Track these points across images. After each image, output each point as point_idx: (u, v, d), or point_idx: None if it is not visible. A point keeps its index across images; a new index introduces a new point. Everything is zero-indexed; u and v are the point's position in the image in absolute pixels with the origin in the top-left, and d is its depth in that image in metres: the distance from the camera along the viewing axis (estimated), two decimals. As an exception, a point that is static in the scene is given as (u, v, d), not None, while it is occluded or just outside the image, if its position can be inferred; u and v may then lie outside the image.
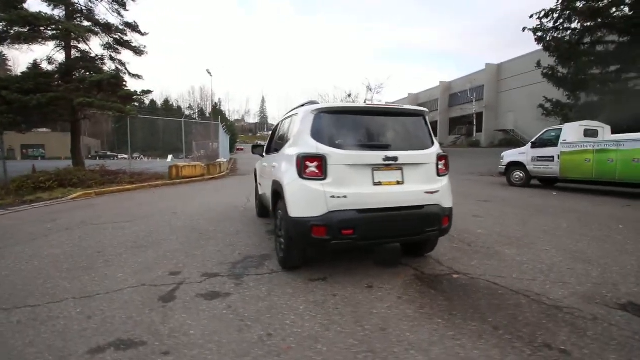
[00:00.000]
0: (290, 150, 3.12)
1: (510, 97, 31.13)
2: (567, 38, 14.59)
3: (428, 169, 3.07)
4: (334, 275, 3.13)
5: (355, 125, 2.96)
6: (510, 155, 11.05)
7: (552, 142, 9.65)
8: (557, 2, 15.25)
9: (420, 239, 3.06)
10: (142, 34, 13.03)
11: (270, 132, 5.19)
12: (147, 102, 57.81)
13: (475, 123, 34.33)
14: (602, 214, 6.12)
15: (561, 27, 15.22)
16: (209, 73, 30.50)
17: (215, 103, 56.61)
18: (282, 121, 4.30)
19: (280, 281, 3.01)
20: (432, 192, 3.04)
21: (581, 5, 13.90)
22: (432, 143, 3.17)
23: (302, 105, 3.41)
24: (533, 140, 10.37)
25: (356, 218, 2.75)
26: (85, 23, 12.04)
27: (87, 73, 11.56)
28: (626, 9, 12.91)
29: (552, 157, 9.55)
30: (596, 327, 2.22)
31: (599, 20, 13.18)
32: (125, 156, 21.35)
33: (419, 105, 45.54)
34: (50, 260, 3.61)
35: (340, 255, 3.63)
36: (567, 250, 3.91)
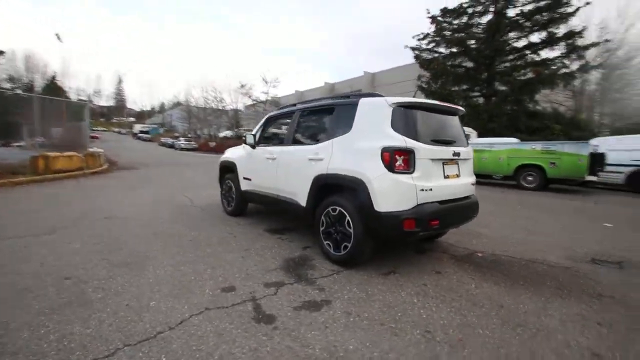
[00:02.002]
0: (364, 144, 2.99)
1: (382, 102, 36.28)
2: (438, 59, 18.13)
3: (469, 164, 3.50)
4: (399, 267, 3.20)
5: (426, 120, 3.09)
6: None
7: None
8: (430, 28, 18.81)
9: (466, 223, 3.46)
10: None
11: (263, 122, 4.67)
12: None
13: (355, 123, 38.54)
14: (508, 199, 8.10)
15: (434, 50, 18.85)
16: (59, 38, 23.67)
17: (52, 77, 44.08)
18: (298, 111, 3.96)
19: (359, 279, 2.89)
20: (473, 184, 3.50)
21: (449, 34, 17.59)
22: (467, 140, 3.61)
23: (358, 96, 3.28)
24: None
25: (440, 209, 2.91)
26: None
27: None
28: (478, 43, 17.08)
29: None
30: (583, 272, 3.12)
31: (461, 49, 16.98)
32: None
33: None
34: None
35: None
36: (521, 226, 5.10)
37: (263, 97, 29.79)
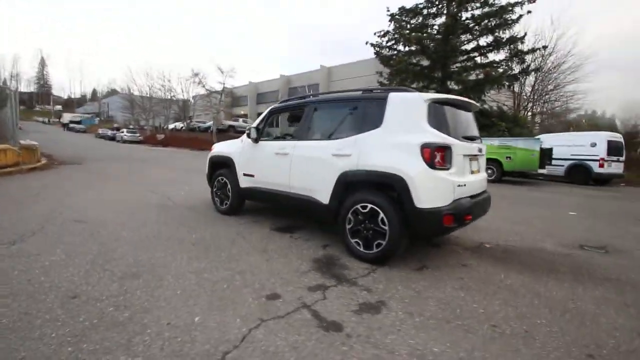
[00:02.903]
0: (399, 139, 2.93)
1: (339, 96, 36.72)
2: (396, 56, 18.75)
3: (484, 159, 3.64)
4: (426, 262, 3.23)
5: (454, 117, 3.12)
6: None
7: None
8: (390, 26, 19.35)
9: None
10: None
11: (266, 116, 4.35)
12: None
13: (312, 116, 38.47)
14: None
15: (394, 47, 19.46)
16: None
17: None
18: (311, 105, 3.76)
19: (398, 276, 2.85)
20: (486, 180, 3.65)
21: (407, 33, 18.27)
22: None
23: (387, 91, 3.20)
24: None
25: (472, 204, 2.99)
26: None
27: None
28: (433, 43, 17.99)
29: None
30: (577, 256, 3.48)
31: (419, 47, 17.75)
32: None
33: (259, 94, 45.80)
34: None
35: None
36: (504, 217, 5.49)
37: (219, 87, 28.27)
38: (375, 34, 19.50)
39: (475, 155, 3.27)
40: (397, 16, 19.15)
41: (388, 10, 19.19)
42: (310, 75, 38.25)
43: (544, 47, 18.05)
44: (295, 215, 4.75)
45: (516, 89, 21.48)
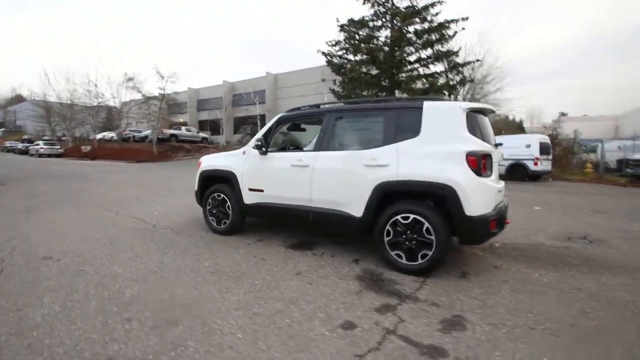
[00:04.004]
0: (441, 148, 2.91)
1: (287, 103, 36.53)
2: (353, 65, 19.33)
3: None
4: (464, 268, 3.25)
5: (484, 123, 3.22)
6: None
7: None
8: (340, 36, 19.91)
9: None
10: None
11: (273, 125, 4.00)
12: None
13: (259, 124, 37.56)
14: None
15: (344, 57, 20.01)
16: None
17: None
18: (332, 114, 3.58)
19: (451, 286, 2.82)
20: (501, 183, 3.85)
21: (357, 43, 18.98)
22: None
23: (420, 100, 3.17)
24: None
25: (506, 208, 3.09)
26: None
27: None
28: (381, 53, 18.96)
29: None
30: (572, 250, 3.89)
31: (369, 57, 18.53)
32: None
33: (200, 101, 43.55)
34: None
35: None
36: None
37: (158, 94, 25.97)
38: (327, 43, 19.86)
39: (498, 161, 3.42)
40: (346, 27, 19.75)
41: (338, 21, 19.69)
42: (256, 82, 37.49)
43: (478, 60, 20.18)
44: (302, 231, 4.48)
45: (452, 97, 23.61)
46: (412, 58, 19.95)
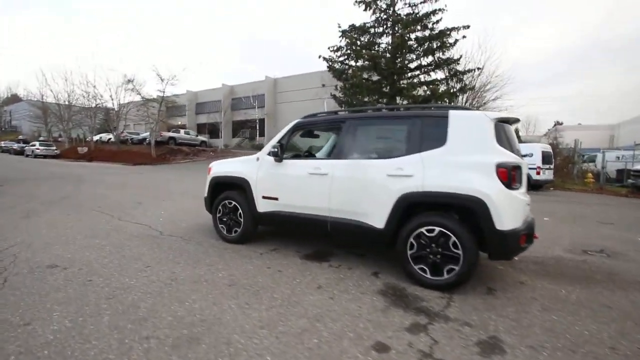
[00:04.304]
0: (469, 159, 2.82)
1: (287, 108, 36.50)
2: (355, 71, 19.35)
3: None
4: (489, 284, 3.15)
5: (511, 134, 3.14)
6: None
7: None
8: (341, 41, 19.95)
9: None
10: None
11: (289, 130, 3.89)
12: None
13: (258, 128, 37.44)
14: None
15: (345, 62, 20.04)
16: None
17: None
18: (352, 120, 3.49)
19: (480, 304, 2.71)
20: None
21: (359, 49, 19.04)
22: None
23: (445, 109, 3.09)
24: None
25: (534, 222, 3.00)
26: None
27: None
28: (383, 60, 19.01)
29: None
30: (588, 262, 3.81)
31: (372, 63, 18.57)
32: None
33: (199, 104, 43.42)
34: None
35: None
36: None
37: (157, 96, 25.78)
38: (328, 48, 19.88)
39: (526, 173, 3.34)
40: (347, 33, 19.80)
41: (339, 27, 19.76)
42: (255, 86, 37.44)
43: (479, 69, 20.30)
44: (315, 240, 4.36)
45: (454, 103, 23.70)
46: (413, 65, 20.05)
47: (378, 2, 19.45)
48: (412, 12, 19.24)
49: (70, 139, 32.06)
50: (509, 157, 2.81)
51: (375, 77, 19.88)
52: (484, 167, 2.77)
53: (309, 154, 4.35)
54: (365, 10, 19.71)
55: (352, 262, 3.64)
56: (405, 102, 19.35)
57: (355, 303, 2.66)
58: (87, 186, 10.03)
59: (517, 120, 3.25)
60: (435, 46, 18.90)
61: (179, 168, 18.77)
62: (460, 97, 20.74)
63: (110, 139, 31.61)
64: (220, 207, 4.29)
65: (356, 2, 19.76)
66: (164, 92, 24.19)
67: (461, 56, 19.28)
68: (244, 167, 4.13)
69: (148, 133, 28.10)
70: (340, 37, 20.09)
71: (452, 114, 3.02)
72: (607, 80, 77.28)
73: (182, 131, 30.33)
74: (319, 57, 20.22)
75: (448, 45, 18.79)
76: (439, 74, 19.99)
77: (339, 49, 19.82)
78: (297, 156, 4.20)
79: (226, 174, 4.30)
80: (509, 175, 2.72)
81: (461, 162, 2.86)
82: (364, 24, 19.97)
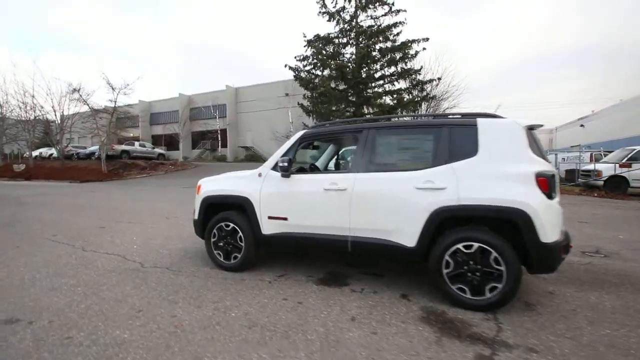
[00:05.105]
0: (505, 169, 2.67)
1: (249, 118, 35.59)
2: (317, 80, 19.32)
3: None
4: (524, 298, 3.01)
5: (538, 141, 3.04)
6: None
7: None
8: (306, 51, 19.91)
9: None
10: None
11: (296, 142, 3.51)
12: None
13: (220, 138, 36.01)
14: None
15: (312, 72, 19.97)
16: None
17: None
18: (370, 130, 3.21)
19: (526, 323, 2.53)
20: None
21: (326, 58, 19.09)
22: None
23: (473, 116, 2.92)
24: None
25: (567, 231, 2.92)
26: None
27: None
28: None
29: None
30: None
31: (339, 72, 18.66)
32: None
33: (153, 114, 41.07)
34: None
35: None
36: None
37: (104, 106, 23.70)
38: (295, 57, 19.73)
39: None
40: (313, 42, 19.82)
41: (305, 37, 19.72)
42: (216, 96, 36.19)
43: (438, 79, 21.28)
44: (322, 261, 4.00)
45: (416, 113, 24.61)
46: (378, 75, 20.52)
47: (342, 13, 19.79)
48: (374, 24, 19.80)
49: (3, 156, 28.34)
50: (545, 166, 2.71)
51: (342, 87, 20.06)
52: (522, 177, 2.63)
53: (314, 167, 4.01)
54: (329, 21, 19.97)
55: (373, 284, 3.33)
56: (372, 110, 19.73)
57: (404, 337, 2.35)
58: (32, 209, 8.68)
59: (540, 126, 3.21)
60: (397, 57, 19.52)
61: (136, 184, 17.23)
62: (424, 106, 21.57)
63: (52, 154, 28.49)
64: (215, 231, 3.76)
65: (320, 12, 19.96)
66: (115, 102, 22.26)
67: (422, 67, 20.11)
68: (243, 184, 3.66)
69: (97, 147, 25.73)
70: (305, 46, 20.10)
71: (481, 122, 2.87)
72: (546, 90, 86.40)
73: (136, 143, 28.23)
74: (285, 66, 20.02)
75: (410, 56, 19.50)
76: (402, 84, 20.70)
77: (305, 58, 19.76)
78: (301, 170, 3.83)
79: (222, 192, 3.79)
80: (549, 185, 2.61)
81: (497, 172, 2.70)
82: (329, 34, 20.15)
